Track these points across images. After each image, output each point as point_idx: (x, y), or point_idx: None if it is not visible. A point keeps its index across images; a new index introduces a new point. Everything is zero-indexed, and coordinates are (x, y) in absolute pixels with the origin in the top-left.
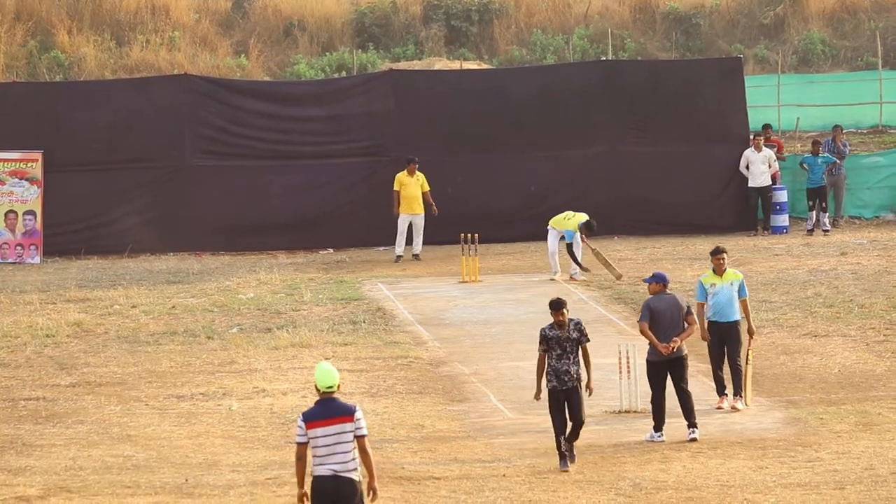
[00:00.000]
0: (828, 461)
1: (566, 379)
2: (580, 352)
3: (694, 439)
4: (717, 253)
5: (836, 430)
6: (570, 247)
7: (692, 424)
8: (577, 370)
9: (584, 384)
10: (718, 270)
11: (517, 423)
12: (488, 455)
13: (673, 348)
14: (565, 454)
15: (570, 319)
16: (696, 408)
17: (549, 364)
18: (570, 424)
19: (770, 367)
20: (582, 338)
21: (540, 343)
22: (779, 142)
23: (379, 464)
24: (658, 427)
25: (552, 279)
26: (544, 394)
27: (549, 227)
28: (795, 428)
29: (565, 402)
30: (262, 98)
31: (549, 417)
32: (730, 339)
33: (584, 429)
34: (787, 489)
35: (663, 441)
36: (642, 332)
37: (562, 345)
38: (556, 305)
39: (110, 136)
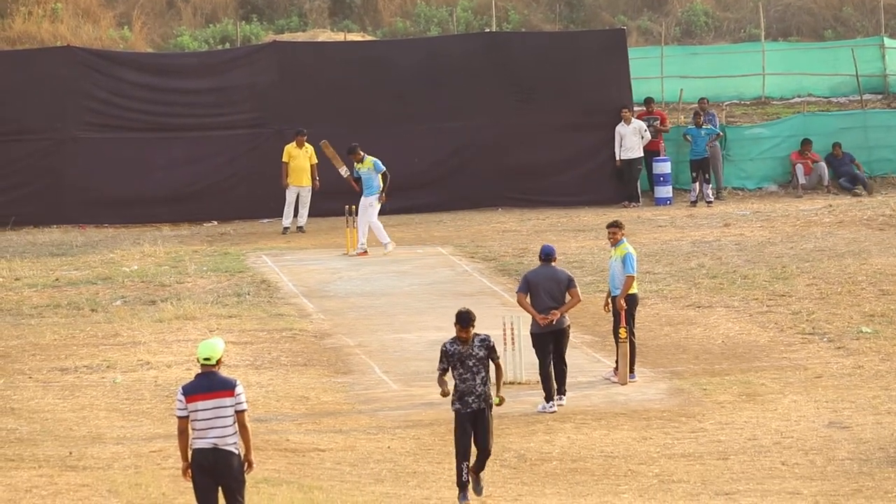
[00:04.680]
0: (711, 431)
1: (470, 401)
2: (489, 370)
3: (559, 408)
4: (609, 226)
5: (720, 401)
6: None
7: (561, 392)
8: (485, 390)
9: (492, 402)
10: (611, 243)
11: (402, 395)
12: (373, 427)
13: (551, 320)
14: (466, 483)
15: (476, 335)
16: (582, 379)
17: (454, 383)
18: (476, 452)
19: (654, 338)
20: (491, 354)
21: (440, 361)
22: (662, 114)
23: (263, 436)
24: (549, 398)
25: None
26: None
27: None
28: (679, 399)
29: (471, 428)
30: (145, 70)
31: (433, 389)
32: (614, 312)
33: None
34: (671, 460)
35: (555, 411)
36: (519, 304)
37: (464, 362)
38: (464, 320)
39: None
